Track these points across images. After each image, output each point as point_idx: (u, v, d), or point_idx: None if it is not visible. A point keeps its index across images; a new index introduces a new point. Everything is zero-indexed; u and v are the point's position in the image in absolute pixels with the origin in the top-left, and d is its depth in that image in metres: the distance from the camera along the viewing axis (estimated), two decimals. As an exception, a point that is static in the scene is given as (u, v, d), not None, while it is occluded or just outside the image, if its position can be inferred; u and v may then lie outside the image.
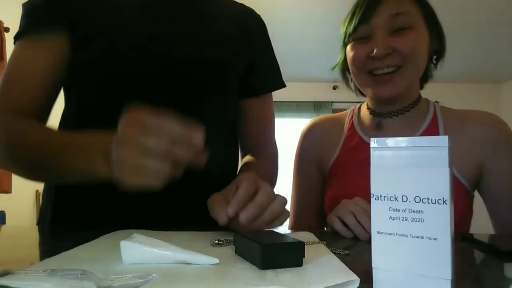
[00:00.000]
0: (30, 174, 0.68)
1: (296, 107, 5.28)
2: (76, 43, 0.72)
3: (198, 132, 0.47)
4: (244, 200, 0.54)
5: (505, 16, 3.20)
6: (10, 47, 2.56)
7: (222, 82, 0.81)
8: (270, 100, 0.94)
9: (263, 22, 0.94)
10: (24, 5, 0.73)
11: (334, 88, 5.21)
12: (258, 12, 0.94)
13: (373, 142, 0.37)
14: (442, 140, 0.33)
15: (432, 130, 0.87)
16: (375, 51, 0.80)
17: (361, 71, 0.85)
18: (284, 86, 0.94)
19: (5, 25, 2.58)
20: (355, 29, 0.83)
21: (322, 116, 1.06)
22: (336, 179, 0.92)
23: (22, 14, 0.73)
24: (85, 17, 0.71)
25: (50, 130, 0.66)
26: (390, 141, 0.36)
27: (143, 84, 0.73)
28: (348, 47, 0.87)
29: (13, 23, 2.72)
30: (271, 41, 0.94)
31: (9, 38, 2.58)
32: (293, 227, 0.98)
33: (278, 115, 5.31)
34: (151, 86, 0.73)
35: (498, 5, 3.02)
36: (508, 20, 3.27)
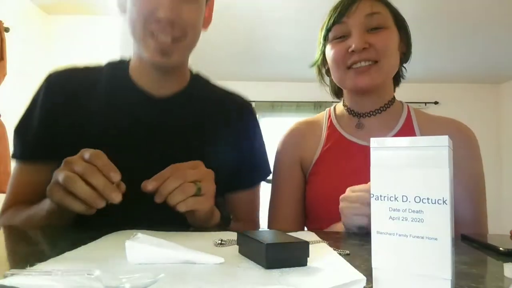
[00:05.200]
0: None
1: (296, 107, 5.28)
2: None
3: (117, 173, 0.58)
4: (160, 178, 0.61)
5: (505, 17, 3.20)
6: (10, 47, 2.56)
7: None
8: (257, 189, 0.94)
9: (251, 110, 0.94)
10: (15, 131, 0.81)
11: (334, 88, 5.22)
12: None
13: (373, 142, 0.37)
14: (442, 140, 0.33)
15: (407, 129, 0.92)
16: (353, 45, 0.87)
17: (340, 66, 0.91)
18: (270, 172, 0.96)
19: (5, 25, 2.58)
20: (330, 29, 0.91)
21: (300, 120, 1.07)
22: (319, 178, 0.93)
23: (14, 138, 0.81)
24: (69, 143, 0.72)
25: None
26: (390, 141, 0.36)
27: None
28: (328, 47, 0.93)
29: (13, 23, 2.72)
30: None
31: (9, 38, 2.58)
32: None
33: (278, 115, 5.32)
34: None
35: (498, 6, 3.02)
36: (508, 20, 3.27)
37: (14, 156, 0.80)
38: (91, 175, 0.56)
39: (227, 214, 0.80)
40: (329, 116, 1.02)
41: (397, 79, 1.00)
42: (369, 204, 0.67)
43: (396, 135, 0.92)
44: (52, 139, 0.77)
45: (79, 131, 0.77)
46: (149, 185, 0.60)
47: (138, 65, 0.83)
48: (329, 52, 0.93)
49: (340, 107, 1.03)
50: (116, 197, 0.57)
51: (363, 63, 0.88)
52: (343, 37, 0.90)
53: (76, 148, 0.63)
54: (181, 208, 0.61)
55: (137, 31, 0.74)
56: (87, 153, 0.58)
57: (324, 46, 0.95)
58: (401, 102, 0.99)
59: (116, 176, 0.57)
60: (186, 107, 0.85)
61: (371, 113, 0.95)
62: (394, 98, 0.98)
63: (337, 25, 0.90)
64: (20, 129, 0.80)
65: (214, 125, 0.86)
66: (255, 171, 0.93)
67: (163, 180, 0.61)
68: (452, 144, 0.84)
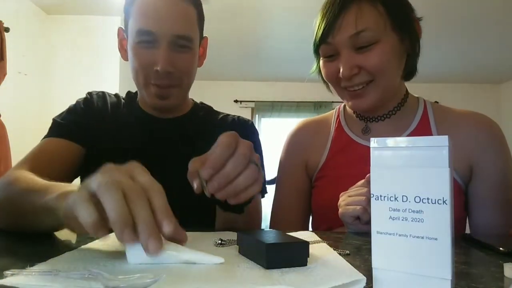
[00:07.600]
0: (13, 215, 0.64)
1: (296, 107, 5.28)
2: (89, 157, 0.87)
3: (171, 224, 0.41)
4: (217, 164, 0.49)
5: (505, 16, 3.20)
6: (10, 47, 2.56)
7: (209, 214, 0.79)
8: (259, 198, 0.90)
9: (253, 127, 0.99)
10: (55, 118, 0.90)
11: (334, 88, 5.22)
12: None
13: (373, 142, 0.37)
14: (442, 140, 0.33)
15: (422, 129, 0.86)
16: (341, 72, 0.79)
17: (335, 85, 0.87)
18: (266, 192, 0.95)
19: (5, 25, 2.58)
20: (319, 46, 0.83)
21: (308, 118, 1.04)
22: (326, 183, 0.90)
23: (52, 124, 0.89)
24: (97, 137, 0.88)
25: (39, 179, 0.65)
26: (390, 141, 0.36)
27: None
28: (321, 62, 0.87)
29: (13, 23, 2.72)
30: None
31: (9, 38, 2.58)
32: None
33: (278, 115, 5.32)
34: None
35: (498, 5, 3.02)
36: (508, 20, 3.27)
37: (47, 135, 0.86)
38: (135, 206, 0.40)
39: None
40: (338, 115, 0.97)
41: (409, 73, 0.90)
42: (363, 195, 0.67)
43: (411, 134, 0.85)
44: (84, 131, 0.87)
45: (102, 135, 0.89)
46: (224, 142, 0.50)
47: (142, 100, 0.96)
48: (322, 69, 0.86)
49: None
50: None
51: (356, 87, 0.81)
52: (332, 56, 0.82)
53: (100, 146, 0.84)
54: (250, 194, 0.51)
55: (139, 80, 0.86)
56: (142, 173, 0.44)
57: (318, 59, 0.88)
58: (417, 98, 0.91)
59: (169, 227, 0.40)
60: (190, 124, 0.95)
61: (379, 118, 0.88)
62: (407, 95, 0.90)
63: (324, 45, 0.82)
64: (60, 116, 0.90)
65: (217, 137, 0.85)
66: None
67: (230, 152, 0.50)
68: (476, 141, 0.83)
